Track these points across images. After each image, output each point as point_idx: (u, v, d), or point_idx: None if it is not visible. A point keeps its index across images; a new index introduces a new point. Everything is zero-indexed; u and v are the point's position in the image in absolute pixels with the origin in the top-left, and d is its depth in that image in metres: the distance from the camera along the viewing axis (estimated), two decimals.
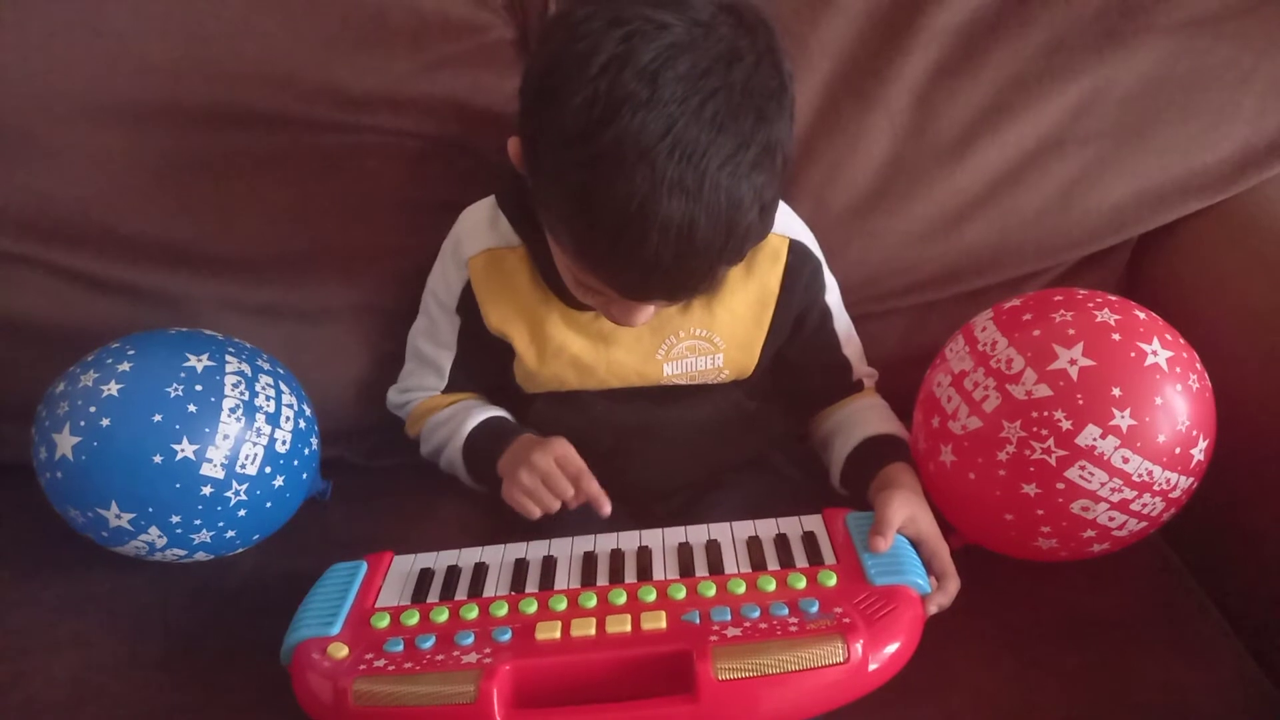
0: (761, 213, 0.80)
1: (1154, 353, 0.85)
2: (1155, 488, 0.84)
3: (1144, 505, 0.85)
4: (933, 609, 0.86)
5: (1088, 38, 1.05)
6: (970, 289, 1.13)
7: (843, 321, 1.04)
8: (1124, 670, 0.89)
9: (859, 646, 0.75)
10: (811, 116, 1.08)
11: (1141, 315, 0.89)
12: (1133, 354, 0.85)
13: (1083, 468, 0.84)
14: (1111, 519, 0.86)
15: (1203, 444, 0.86)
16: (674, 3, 0.76)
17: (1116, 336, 0.86)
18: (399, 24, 1.04)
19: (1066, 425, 0.83)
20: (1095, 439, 0.83)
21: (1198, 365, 0.88)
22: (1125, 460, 0.83)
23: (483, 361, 1.02)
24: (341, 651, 0.80)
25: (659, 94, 0.73)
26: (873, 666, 0.75)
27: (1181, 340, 0.89)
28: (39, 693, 0.90)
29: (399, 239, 1.07)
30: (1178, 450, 0.84)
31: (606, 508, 0.90)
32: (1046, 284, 1.14)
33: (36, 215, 1.04)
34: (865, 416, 1.02)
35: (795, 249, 0.97)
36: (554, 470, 0.91)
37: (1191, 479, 0.87)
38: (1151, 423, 0.83)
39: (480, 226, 0.97)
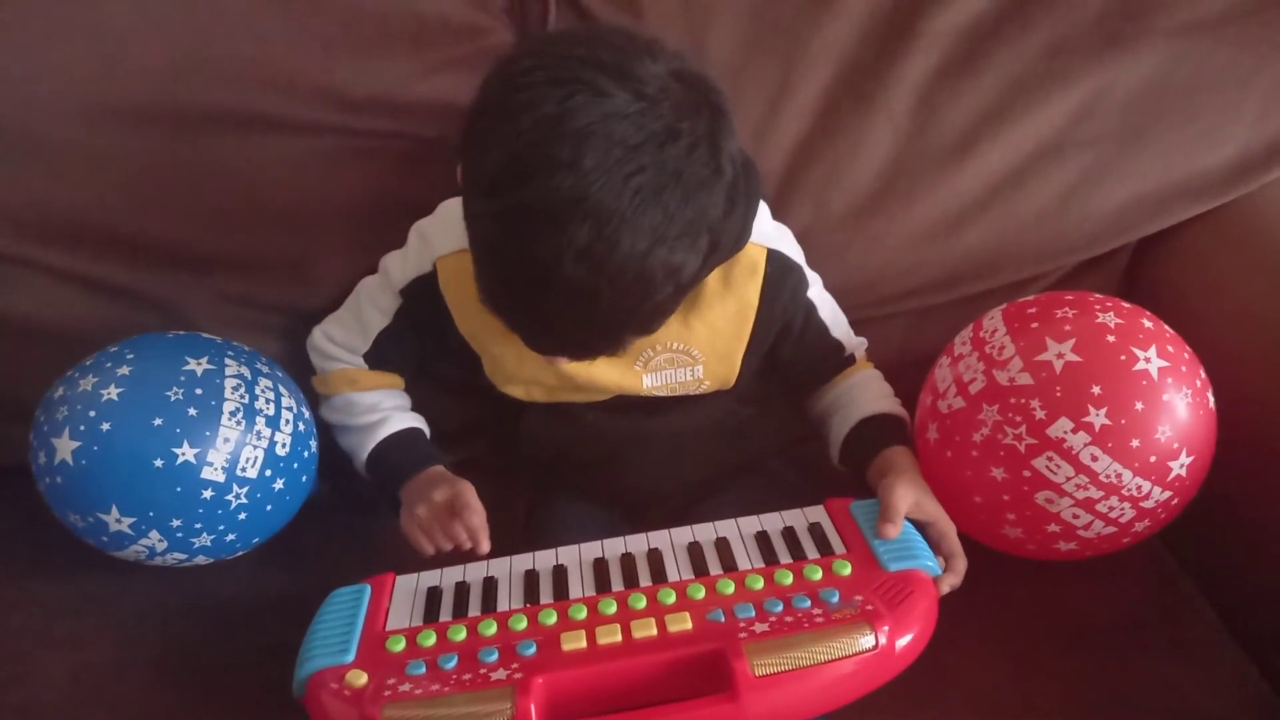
0: (676, 291, 0.79)
1: (1146, 359, 0.85)
2: (1124, 492, 0.85)
3: (1110, 509, 0.86)
4: (945, 589, 0.87)
5: (1089, 41, 1.05)
6: (970, 293, 1.13)
7: (828, 308, 1.03)
8: (1122, 673, 0.90)
9: (885, 632, 0.75)
10: (812, 119, 1.07)
11: (1148, 324, 0.89)
12: (1123, 357, 0.85)
13: (1050, 459, 0.85)
14: (1076, 516, 0.86)
15: (1186, 460, 0.86)
16: (622, 70, 0.74)
17: (1111, 338, 0.86)
18: (399, 27, 1.03)
19: (1040, 415, 0.85)
20: (1066, 432, 0.84)
21: (1198, 381, 0.88)
22: (1094, 458, 0.84)
23: (413, 349, 1.02)
24: (361, 679, 0.78)
25: (582, 161, 0.71)
26: (899, 650, 0.76)
27: (1187, 354, 0.89)
28: (36, 695, 0.90)
29: (398, 241, 1.06)
30: (1153, 459, 0.84)
31: (484, 546, 0.91)
32: (1045, 288, 1.14)
33: (34, 217, 1.03)
34: (860, 394, 1.02)
35: (774, 260, 0.95)
36: (445, 510, 0.93)
37: (1169, 493, 0.87)
38: (1127, 425, 0.83)
39: (455, 225, 0.94)
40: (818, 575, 0.83)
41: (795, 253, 0.99)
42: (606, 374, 0.95)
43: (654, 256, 0.74)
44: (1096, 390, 0.84)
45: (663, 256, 0.75)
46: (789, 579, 0.83)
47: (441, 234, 0.96)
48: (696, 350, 0.95)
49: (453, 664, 0.78)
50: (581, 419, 1.00)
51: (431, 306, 0.96)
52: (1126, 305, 0.91)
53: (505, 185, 0.74)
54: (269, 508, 0.96)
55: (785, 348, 1.01)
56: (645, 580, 0.86)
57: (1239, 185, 1.09)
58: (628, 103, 0.73)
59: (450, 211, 0.98)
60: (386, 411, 1.02)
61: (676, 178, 0.74)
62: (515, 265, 0.75)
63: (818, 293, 1.02)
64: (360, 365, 1.03)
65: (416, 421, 1.03)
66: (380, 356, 1.02)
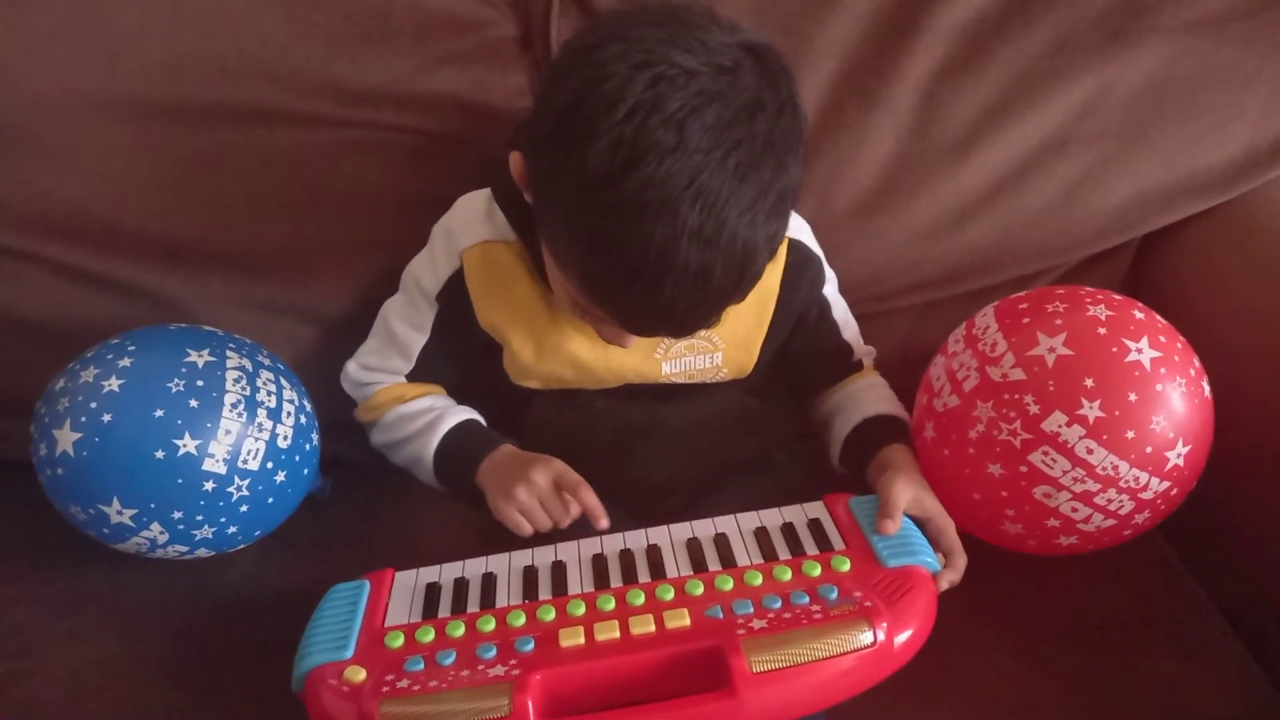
0: (770, 256, 0.81)
1: (1138, 350, 0.85)
2: (1121, 484, 0.85)
3: (1109, 501, 0.86)
4: (944, 585, 0.87)
5: (1093, 37, 1.06)
6: (973, 288, 1.13)
7: (840, 309, 1.04)
8: (1124, 670, 0.90)
9: (883, 628, 0.75)
10: (816, 115, 1.07)
11: (1139, 315, 0.89)
12: (1115, 349, 0.85)
13: (1046, 453, 0.85)
14: (1074, 510, 0.86)
15: (1183, 449, 0.86)
16: (698, 44, 0.75)
17: (1102, 331, 0.86)
18: (402, 21, 1.03)
19: (1034, 409, 0.85)
20: (1060, 426, 0.84)
21: (1192, 371, 0.88)
22: (1089, 451, 0.84)
23: (454, 353, 1.01)
24: (359, 675, 0.78)
25: (685, 143, 0.73)
26: (898, 646, 0.76)
27: (1179, 344, 0.89)
28: (38, 691, 0.90)
29: (400, 235, 1.06)
30: (1149, 449, 0.84)
31: (604, 521, 0.90)
32: (1049, 284, 1.14)
33: (37, 212, 1.03)
34: (864, 397, 1.03)
35: (795, 249, 0.97)
36: (552, 491, 0.91)
37: (1168, 483, 0.86)
38: (1121, 417, 0.83)
39: (476, 218, 0.96)
40: (816, 571, 0.83)
41: (815, 246, 1.00)
42: (627, 362, 0.95)
43: (755, 227, 0.76)
44: (1089, 383, 0.84)
45: (762, 225, 0.77)
46: (787, 575, 0.83)
47: (465, 228, 0.96)
48: (717, 337, 0.96)
49: (451, 660, 0.78)
50: (591, 406, 1.00)
51: (462, 303, 0.96)
52: (1118, 297, 0.91)
53: (614, 176, 0.73)
54: (270, 500, 0.96)
55: (797, 341, 1.01)
56: (644, 576, 0.86)
57: (1241, 183, 1.09)
58: (712, 78, 0.75)
59: (470, 204, 0.98)
60: (440, 409, 1.01)
61: (769, 148, 0.76)
62: (629, 256, 0.75)
63: (833, 291, 1.03)
64: (403, 383, 1.03)
65: (471, 413, 1.02)
66: (424, 371, 1.02)
